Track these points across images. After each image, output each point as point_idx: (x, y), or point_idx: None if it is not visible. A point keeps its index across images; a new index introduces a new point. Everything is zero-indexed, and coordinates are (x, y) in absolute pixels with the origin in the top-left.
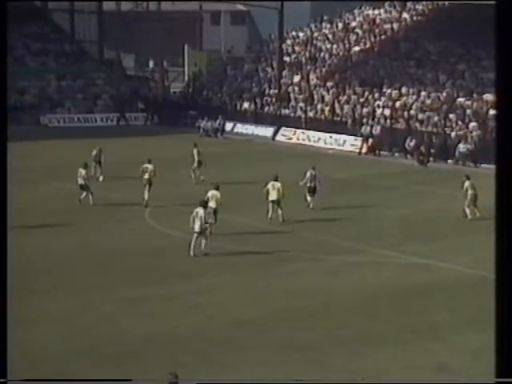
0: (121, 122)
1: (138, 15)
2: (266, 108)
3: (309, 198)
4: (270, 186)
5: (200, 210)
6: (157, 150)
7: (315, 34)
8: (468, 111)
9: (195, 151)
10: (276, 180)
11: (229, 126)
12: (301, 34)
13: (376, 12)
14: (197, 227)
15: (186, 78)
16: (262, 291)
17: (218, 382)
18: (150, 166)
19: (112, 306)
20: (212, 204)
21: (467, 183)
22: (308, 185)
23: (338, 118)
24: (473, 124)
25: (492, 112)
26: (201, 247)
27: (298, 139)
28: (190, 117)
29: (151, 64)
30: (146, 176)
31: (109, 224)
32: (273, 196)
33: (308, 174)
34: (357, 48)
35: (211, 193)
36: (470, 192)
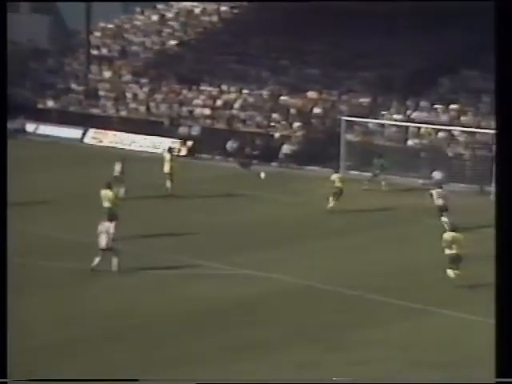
0: None
1: None
2: (73, 107)
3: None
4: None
5: (106, 224)
6: None
7: (126, 26)
8: (292, 110)
9: None
10: None
11: (31, 126)
12: (111, 26)
13: (193, 4)
14: (103, 243)
15: None
16: (71, 311)
17: (218, 382)
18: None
19: None
20: (106, 204)
21: (335, 176)
22: (116, 174)
23: (154, 118)
24: (297, 124)
25: (316, 110)
26: (112, 267)
27: (109, 142)
28: None
29: None
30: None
31: None
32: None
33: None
34: (172, 41)
35: (103, 192)
36: (336, 185)
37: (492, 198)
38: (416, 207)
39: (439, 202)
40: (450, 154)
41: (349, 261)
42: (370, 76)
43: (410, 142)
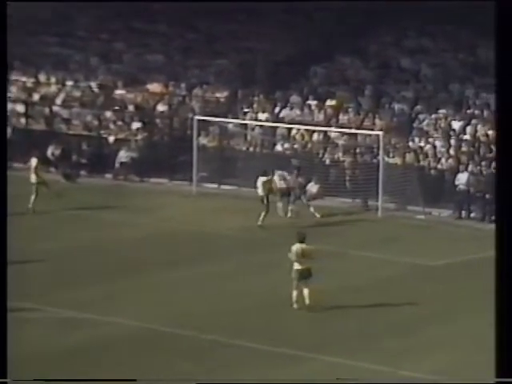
0: None
1: None
2: None
3: None
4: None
5: None
6: None
7: None
8: (130, 107)
9: None
10: None
11: None
12: None
13: None
14: None
15: None
16: None
17: (218, 383)
18: None
19: None
20: None
21: (276, 177)
22: None
23: None
24: (136, 124)
25: (161, 108)
26: None
27: None
28: None
29: None
30: None
31: None
32: None
33: None
34: None
35: None
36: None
37: (379, 214)
38: (288, 227)
39: (281, 184)
40: (327, 161)
41: (202, 295)
42: (227, 64)
43: (278, 147)
